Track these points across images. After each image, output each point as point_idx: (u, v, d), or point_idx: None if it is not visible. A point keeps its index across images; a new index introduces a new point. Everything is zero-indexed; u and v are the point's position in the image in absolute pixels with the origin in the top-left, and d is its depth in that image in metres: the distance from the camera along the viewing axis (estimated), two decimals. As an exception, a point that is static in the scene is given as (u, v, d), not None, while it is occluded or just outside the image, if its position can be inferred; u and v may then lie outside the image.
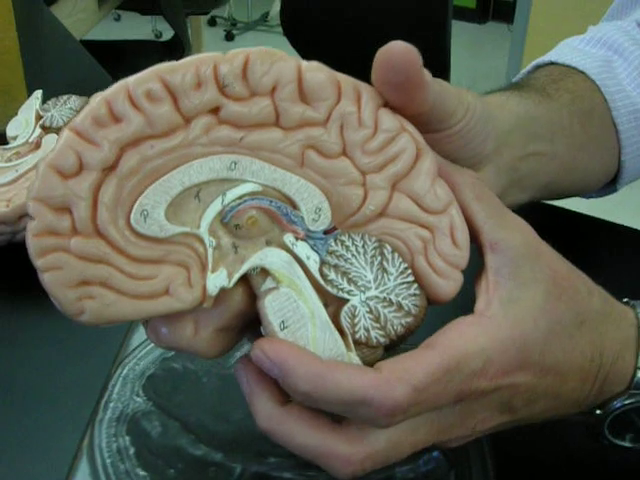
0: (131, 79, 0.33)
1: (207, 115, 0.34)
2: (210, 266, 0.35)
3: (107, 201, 0.33)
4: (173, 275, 0.34)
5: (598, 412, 0.40)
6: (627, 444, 0.41)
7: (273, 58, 0.34)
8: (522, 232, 0.37)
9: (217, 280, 0.35)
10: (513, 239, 0.37)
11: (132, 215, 0.33)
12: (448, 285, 0.36)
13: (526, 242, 0.37)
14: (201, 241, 0.35)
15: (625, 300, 0.41)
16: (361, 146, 0.35)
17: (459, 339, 0.34)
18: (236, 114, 0.34)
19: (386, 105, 0.36)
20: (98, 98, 0.33)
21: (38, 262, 0.33)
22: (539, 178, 0.51)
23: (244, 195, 0.35)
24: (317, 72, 0.34)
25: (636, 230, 0.74)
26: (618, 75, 0.60)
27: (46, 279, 0.33)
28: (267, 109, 0.34)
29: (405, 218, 0.36)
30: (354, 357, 0.35)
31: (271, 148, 0.34)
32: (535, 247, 0.37)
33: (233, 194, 0.35)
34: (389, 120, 0.35)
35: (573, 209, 0.76)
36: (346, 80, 0.35)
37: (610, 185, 0.64)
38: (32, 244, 0.33)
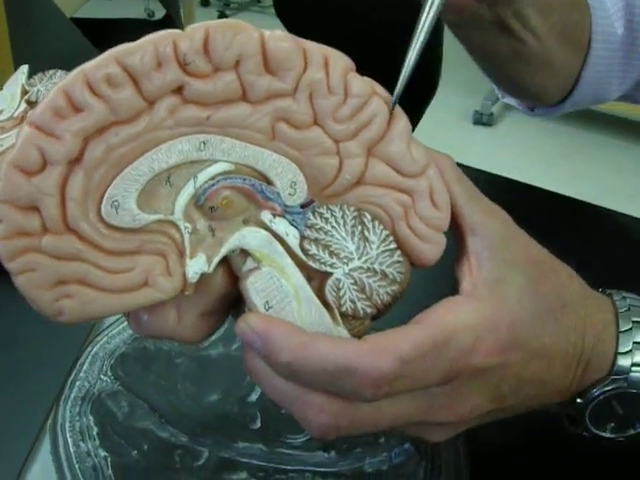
0: (88, 65, 0.34)
1: (171, 96, 0.35)
2: (188, 252, 0.36)
3: (75, 195, 0.34)
4: (151, 265, 0.36)
5: (579, 401, 0.42)
6: (608, 434, 0.44)
7: (234, 30, 0.35)
8: (500, 217, 0.40)
9: (196, 266, 0.37)
10: (493, 223, 0.39)
11: (103, 207, 0.35)
12: (431, 249, 0.39)
13: (504, 227, 0.40)
14: (176, 227, 0.36)
15: (600, 290, 0.44)
16: (332, 114, 0.37)
17: (449, 315, 0.36)
18: (201, 92, 0.35)
19: (355, 69, 0.37)
20: (55, 88, 0.34)
21: (10, 265, 0.34)
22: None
23: (216, 175, 0.36)
24: (281, 41, 0.36)
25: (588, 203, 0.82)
26: None
27: (20, 282, 0.34)
28: (232, 84, 0.35)
29: (383, 184, 0.38)
30: (342, 330, 0.38)
31: (240, 124, 0.36)
32: (512, 232, 0.40)
33: (205, 175, 0.36)
34: (359, 85, 0.37)
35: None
36: (312, 47, 0.36)
37: (558, 104, 0.75)
38: (2, 247, 0.34)
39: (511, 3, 0.59)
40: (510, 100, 0.82)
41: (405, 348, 0.35)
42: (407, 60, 0.40)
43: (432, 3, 0.41)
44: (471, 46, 0.68)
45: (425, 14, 0.41)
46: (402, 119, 0.38)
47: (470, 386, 0.38)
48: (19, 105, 0.71)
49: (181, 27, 0.36)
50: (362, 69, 0.38)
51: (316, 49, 0.36)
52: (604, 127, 2.98)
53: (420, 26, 0.41)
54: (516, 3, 0.59)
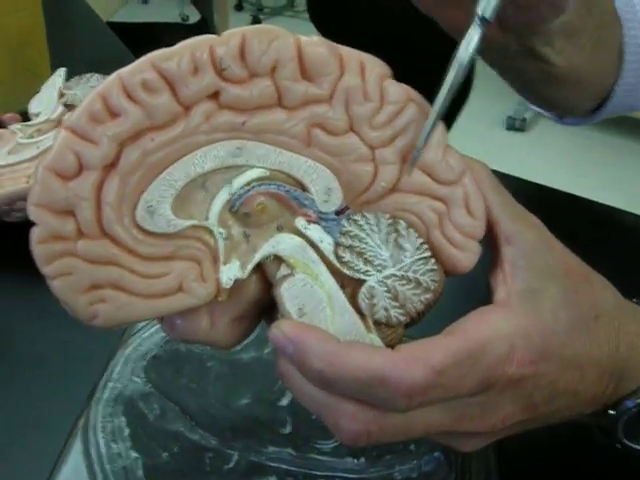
0: (124, 70, 0.34)
1: (207, 101, 0.35)
2: (222, 258, 0.36)
3: (111, 200, 0.34)
4: (185, 271, 0.36)
5: (612, 412, 0.41)
6: None
7: (270, 36, 0.35)
8: (535, 226, 0.39)
9: (230, 272, 0.36)
10: (528, 232, 0.39)
11: (138, 212, 0.35)
12: (466, 257, 0.38)
13: (539, 236, 0.39)
14: (211, 233, 0.36)
15: (635, 300, 0.43)
16: (368, 120, 0.36)
17: (482, 325, 0.36)
18: (237, 98, 0.35)
19: (391, 75, 0.37)
20: (92, 93, 0.34)
21: (46, 269, 0.34)
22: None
23: (251, 181, 0.36)
24: (317, 47, 0.35)
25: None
26: (635, 5, 0.66)
27: (56, 286, 0.35)
28: (268, 90, 0.35)
29: (418, 191, 0.38)
30: (375, 338, 0.38)
31: (275, 130, 0.36)
32: (548, 241, 0.39)
33: (240, 181, 0.36)
34: (395, 91, 0.37)
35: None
36: (349, 53, 0.36)
37: (588, 114, 0.74)
38: (38, 251, 0.34)
39: (538, 33, 0.58)
40: (538, 108, 0.81)
41: (438, 358, 0.34)
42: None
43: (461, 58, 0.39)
44: (498, 69, 0.67)
45: (453, 69, 0.38)
46: (438, 126, 0.37)
47: (503, 396, 0.37)
48: (56, 108, 0.72)
49: (215, 31, 0.35)
50: (398, 74, 0.38)
51: (352, 55, 0.36)
52: (639, 135, 2.95)
53: (448, 82, 0.38)
54: (544, 32, 0.58)
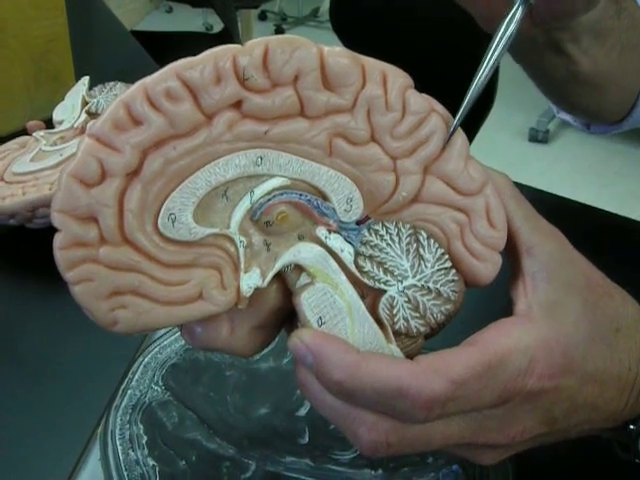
0: (148, 79, 0.34)
1: (229, 110, 0.35)
2: (242, 266, 0.36)
3: (133, 207, 0.34)
4: (206, 278, 0.36)
5: (631, 427, 0.41)
6: None
7: (293, 45, 0.35)
8: (556, 238, 0.39)
9: (251, 280, 0.37)
10: (548, 244, 0.39)
11: (159, 220, 0.35)
12: (487, 268, 0.38)
13: (560, 248, 0.39)
14: (232, 241, 0.36)
15: None
16: (390, 130, 0.37)
17: (502, 337, 0.36)
18: (259, 107, 0.35)
19: (413, 86, 0.37)
20: (116, 101, 0.34)
21: (68, 275, 0.35)
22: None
23: (273, 190, 0.36)
24: (340, 57, 0.36)
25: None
26: None
27: (77, 292, 0.35)
28: (291, 99, 0.35)
29: (439, 202, 0.38)
30: (394, 349, 0.38)
31: (297, 139, 0.36)
32: (569, 254, 0.39)
33: (261, 190, 0.36)
34: (417, 101, 0.37)
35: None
36: (371, 63, 0.36)
37: (615, 123, 0.75)
38: (60, 257, 0.34)
39: (567, 28, 0.59)
40: (566, 116, 0.82)
41: (458, 370, 0.34)
42: (473, 85, 0.39)
43: (502, 35, 0.41)
44: (527, 66, 0.68)
45: (495, 44, 0.41)
46: (460, 137, 0.38)
47: (522, 409, 0.37)
48: (79, 116, 0.73)
49: (238, 41, 0.36)
50: (421, 85, 0.38)
51: (375, 65, 0.36)
52: (662, 147, 2.93)
53: (489, 55, 0.40)
54: (572, 28, 0.59)
